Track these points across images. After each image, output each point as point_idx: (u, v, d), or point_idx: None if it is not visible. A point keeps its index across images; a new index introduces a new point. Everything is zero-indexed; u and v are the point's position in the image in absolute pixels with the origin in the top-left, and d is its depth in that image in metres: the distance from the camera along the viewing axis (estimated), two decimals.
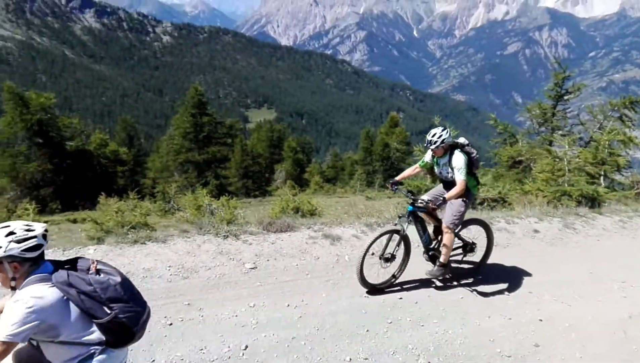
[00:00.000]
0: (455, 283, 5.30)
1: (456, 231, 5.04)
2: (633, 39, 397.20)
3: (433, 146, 4.77)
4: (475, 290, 5.12)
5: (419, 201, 4.76)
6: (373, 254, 4.84)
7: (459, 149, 4.85)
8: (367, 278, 4.78)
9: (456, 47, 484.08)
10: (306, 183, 39.35)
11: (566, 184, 9.58)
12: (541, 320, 4.60)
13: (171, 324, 3.95)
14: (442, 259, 4.94)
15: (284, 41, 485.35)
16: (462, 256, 5.41)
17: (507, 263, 5.94)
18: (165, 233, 5.86)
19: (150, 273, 4.77)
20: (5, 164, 21.43)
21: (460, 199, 4.81)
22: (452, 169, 4.79)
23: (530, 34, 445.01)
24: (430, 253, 5.10)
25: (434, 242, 5.14)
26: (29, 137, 22.22)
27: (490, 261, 5.67)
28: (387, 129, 39.52)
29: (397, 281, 5.06)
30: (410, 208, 4.83)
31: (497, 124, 16.70)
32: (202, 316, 4.12)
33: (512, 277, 5.55)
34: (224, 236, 5.72)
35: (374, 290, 4.87)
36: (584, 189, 8.92)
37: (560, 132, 15.84)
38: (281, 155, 42.85)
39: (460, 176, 4.68)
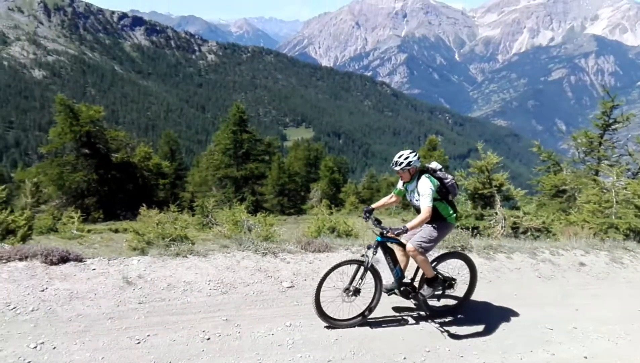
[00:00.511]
0: (497, 315, 5.13)
1: (431, 262, 4.69)
2: None
3: (397, 168, 4.52)
4: (518, 323, 4.96)
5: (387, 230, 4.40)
6: (334, 286, 4.51)
7: (427, 174, 4.56)
8: (326, 312, 4.40)
9: (498, 72, 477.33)
10: (341, 203, 39.28)
11: (613, 217, 9.22)
12: (586, 358, 4.41)
13: (209, 339, 3.99)
14: (427, 274, 4.60)
15: (325, 62, 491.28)
16: (440, 293, 4.90)
17: (550, 296, 5.73)
18: (205, 247, 5.96)
19: (191, 286, 4.84)
20: (53, 173, 22.36)
21: (430, 226, 4.54)
22: (418, 195, 4.48)
23: (575, 61, 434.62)
24: (402, 288, 4.67)
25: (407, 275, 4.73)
26: (77, 148, 23.16)
27: (533, 293, 5.48)
28: (425, 152, 39.08)
29: (370, 316, 4.63)
30: (378, 238, 4.50)
31: (541, 152, 16.32)
32: (239, 332, 4.14)
33: (556, 311, 5.34)
34: (263, 253, 5.77)
35: (339, 325, 4.44)
36: (633, 222, 8.56)
37: (607, 162, 15.33)
38: (317, 174, 43.00)
39: (424, 203, 4.35)
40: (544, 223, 8.62)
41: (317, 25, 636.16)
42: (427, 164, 4.73)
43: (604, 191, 10.30)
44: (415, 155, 4.55)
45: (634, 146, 16.44)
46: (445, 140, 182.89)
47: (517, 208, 8.85)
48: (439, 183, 4.55)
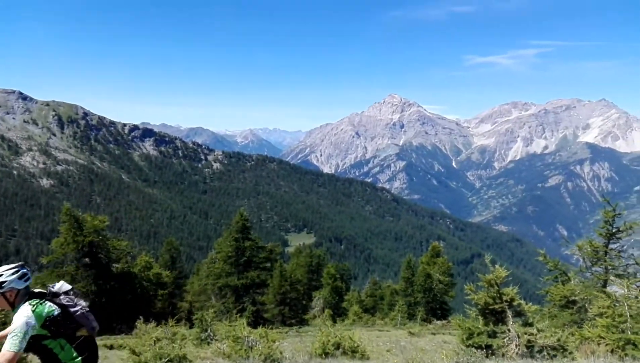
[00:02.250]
0: None
1: None
2: None
3: None
4: None
5: None
6: None
7: (37, 300, 3.26)
8: None
9: (496, 178, 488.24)
10: (344, 312, 38.07)
11: (629, 332, 8.83)
12: None
13: None
14: None
15: (326, 169, 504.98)
16: None
17: None
18: None
19: None
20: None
21: None
22: None
23: (571, 168, 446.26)
24: None
25: None
26: (78, 258, 22.96)
27: None
28: (428, 259, 38.66)
29: None
30: None
31: (547, 261, 16.14)
32: None
33: None
34: None
35: None
36: None
37: (614, 272, 15.08)
38: (320, 281, 42.17)
39: (7, 345, 2.99)
40: (559, 340, 8.21)
41: (319, 135, 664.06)
42: (50, 285, 3.50)
43: (615, 304, 9.98)
44: (16, 272, 3.27)
45: (637, 252, 16.33)
46: (448, 245, 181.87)
47: (531, 324, 8.50)
48: (58, 312, 3.29)
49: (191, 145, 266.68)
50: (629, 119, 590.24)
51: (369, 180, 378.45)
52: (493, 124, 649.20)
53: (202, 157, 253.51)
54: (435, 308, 34.78)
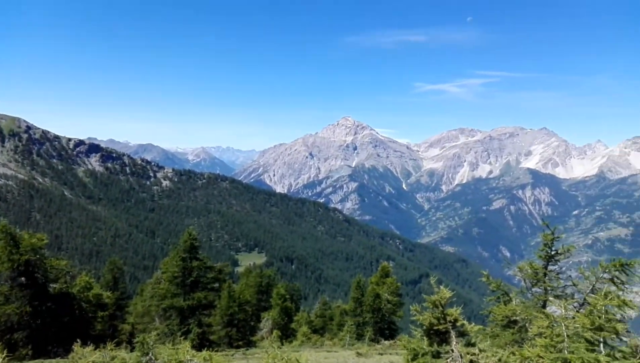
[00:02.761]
0: None
1: None
2: (614, 199, 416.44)
3: None
4: None
5: None
6: None
7: None
8: None
9: (443, 201, 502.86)
10: (293, 333, 37.64)
11: (566, 351, 9.18)
12: None
13: None
14: None
15: (279, 189, 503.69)
16: None
17: None
18: None
19: None
20: None
21: None
22: None
23: (514, 192, 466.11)
24: None
25: None
26: (13, 277, 21.59)
27: None
28: (378, 279, 38.98)
29: None
30: None
31: (490, 282, 16.58)
32: None
33: None
34: None
35: None
36: (585, 357, 8.51)
37: (553, 292, 15.69)
38: (269, 302, 41.58)
39: None
40: (499, 360, 8.43)
41: (273, 155, 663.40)
42: None
43: (554, 324, 10.36)
44: None
45: (574, 273, 17.07)
46: (397, 265, 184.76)
47: (473, 344, 8.68)
48: None
49: (140, 162, 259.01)
50: (568, 147, 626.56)
51: (321, 200, 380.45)
52: (441, 149, 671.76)
53: (151, 174, 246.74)
54: (384, 328, 34.98)
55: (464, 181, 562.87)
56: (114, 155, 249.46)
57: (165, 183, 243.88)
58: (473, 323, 9.16)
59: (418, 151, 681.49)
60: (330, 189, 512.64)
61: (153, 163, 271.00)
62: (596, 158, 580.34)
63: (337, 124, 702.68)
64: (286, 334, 36.77)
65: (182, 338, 23.62)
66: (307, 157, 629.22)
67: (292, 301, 43.07)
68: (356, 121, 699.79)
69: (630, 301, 13.90)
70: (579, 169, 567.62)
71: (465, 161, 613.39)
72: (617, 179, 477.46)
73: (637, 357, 13.68)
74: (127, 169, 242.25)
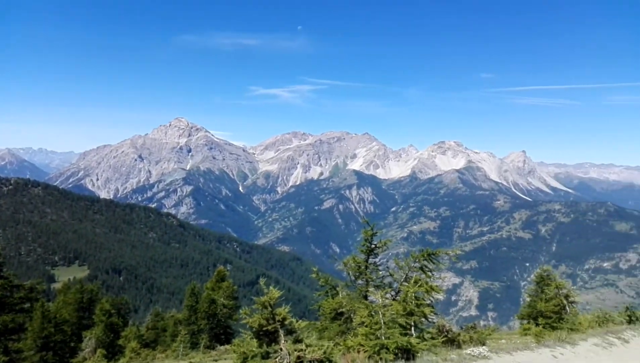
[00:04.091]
0: None
1: None
2: (424, 197, 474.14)
3: None
4: None
5: None
6: None
7: None
8: None
9: (279, 202, 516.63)
10: (120, 350, 34.95)
11: (383, 338, 10.10)
12: None
13: None
14: None
15: (104, 194, 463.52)
16: None
17: None
18: None
19: None
20: None
21: None
22: None
23: (342, 192, 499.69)
24: None
25: None
26: None
27: None
28: (213, 284, 38.33)
29: None
30: None
31: (319, 277, 17.50)
32: None
33: None
34: None
35: None
36: (399, 341, 9.47)
37: (373, 283, 17.17)
38: (92, 319, 37.94)
39: None
40: (324, 352, 8.90)
41: (95, 157, 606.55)
42: None
43: (373, 313, 11.33)
44: None
45: (393, 265, 18.90)
46: (234, 268, 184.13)
47: (300, 341, 9.01)
48: None
49: None
50: (387, 151, 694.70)
51: (153, 205, 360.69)
52: (276, 152, 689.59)
53: None
54: (219, 333, 34.51)
55: (298, 183, 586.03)
56: None
57: None
58: (301, 320, 9.51)
59: (254, 154, 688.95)
60: (162, 194, 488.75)
61: None
62: (409, 160, 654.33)
63: (170, 125, 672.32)
64: (112, 352, 33.95)
65: None
66: (136, 160, 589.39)
67: (119, 316, 39.94)
68: (190, 123, 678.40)
69: (437, 286, 15.88)
70: (395, 170, 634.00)
71: (298, 163, 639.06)
72: (427, 179, 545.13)
73: (442, 335, 15.69)
74: None
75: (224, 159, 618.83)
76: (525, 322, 23.51)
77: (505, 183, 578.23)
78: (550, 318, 20.07)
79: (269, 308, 8.70)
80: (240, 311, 9.41)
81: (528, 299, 24.50)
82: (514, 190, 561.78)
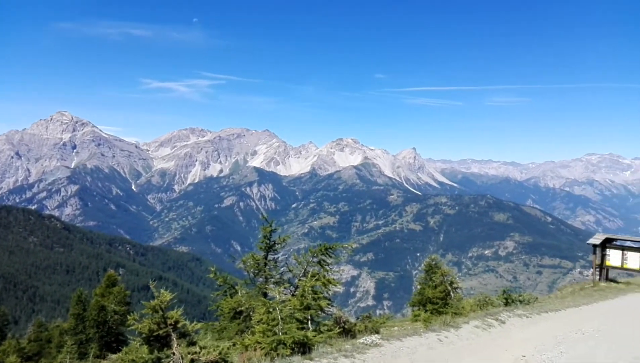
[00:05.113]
0: None
1: None
2: (324, 193, 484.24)
3: None
4: None
5: None
6: None
7: None
8: None
9: (176, 201, 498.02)
10: None
11: (280, 333, 10.22)
12: None
13: None
14: None
15: None
16: None
17: None
18: None
19: None
20: None
21: None
22: None
23: (242, 189, 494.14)
24: None
25: None
26: None
27: None
28: (103, 290, 36.01)
29: None
30: None
31: (217, 277, 17.22)
32: None
33: None
34: None
35: None
36: (296, 336, 9.64)
37: (273, 280, 17.27)
38: None
39: None
40: (220, 353, 8.79)
41: None
42: None
43: (270, 310, 11.41)
44: None
45: (293, 261, 19.16)
46: (128, 272, 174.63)
47: (194, 343, 8.81)
48: None
49: None
50: (287, 147, 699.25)
51: (33, 207, 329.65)
52: (173, 148, 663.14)
53: None
54: (111, 342, 32.57)
55: (197, 181, 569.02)
56: None
57: None
58: (197, 322, 9.30)
59: (148, 151, 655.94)
60: (44, 194, 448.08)
61: None
62: (309, 157, 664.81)
63: (51, 119, 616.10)
64: None
65: None
66: (12, 157, 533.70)
67: None
68: (75, 117, 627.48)
69: (334, 279, 16.35)
70: (296, 167, 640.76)
71: (197, 160, 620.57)
72: (326, 175, 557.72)
73: (338, 327, 16.18)
74: None
75: (114, 156, 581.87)
76: (416, 308, 24.98)
77: (398, 179, 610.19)
78: (437, 304, 21.61)
79: (160, 312, 8.39)
80: (128, 317, 8.96)
81: (419, 287, 26.01)
82: (406, 185, 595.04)
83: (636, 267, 26.45)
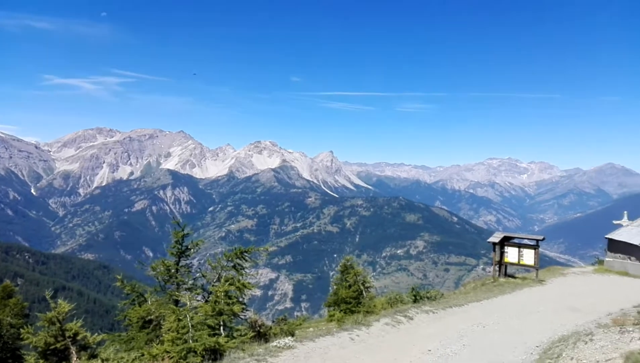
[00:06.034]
0: None
1: None
2: (242, 196, 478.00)
3: None
4: None
5: None
6: None
7: None
8: None
9: (81, 205, 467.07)
10: None
11: (191, 341, 9.95)
12: None
13: None
14: None
15: None
16: None
17: None
18: None
19: None
20: None
21: None
22: None
23: (155, 193, 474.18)
24: None
25: None
26: None
27: None
28: None
29: None
30: None
31: (124, 285, 16.41)
32: None
33: None
34: None
35: None
36: (207, 342, 9.44)
37: (185, 287, 16.76)
38: None
39: None
40: None
41: None
42: None
43: (180, 317, 11.07)
44: None
45: (209, 267, 18.71)
46: (27, 282, 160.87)
47: (95, 356, 8.34)
48: None
49: None
50: (203, 149, 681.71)
51: None
52: (77, 149, 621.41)
53: None
54: (6, 357, 29.81)
55: (104, 184, 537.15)
56: None
57: None
58: (100, 333, 8.79)
59: (50, 152, 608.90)
60: None
61: None
62: (227, 159, 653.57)
63: None
64: None
65: None
66: None
67: None
68: None
69: (249, 283, 16.19)
70: (213, 169, 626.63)
71: (104, 162, 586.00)
72: (244, 178, 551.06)
73: (253, 331, 16.04)
74: None
75: (10, 157, 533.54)
76: (331, 309, 25.45)
77: (316, 181, 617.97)
78: (350, 303, 22.18)
79: (58, 324, 7.83)
80: (22, 331, 8.29)
81: (334, 287, 26.50)
82: (324, 188, 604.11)
83: (531, 263, 28.97)
